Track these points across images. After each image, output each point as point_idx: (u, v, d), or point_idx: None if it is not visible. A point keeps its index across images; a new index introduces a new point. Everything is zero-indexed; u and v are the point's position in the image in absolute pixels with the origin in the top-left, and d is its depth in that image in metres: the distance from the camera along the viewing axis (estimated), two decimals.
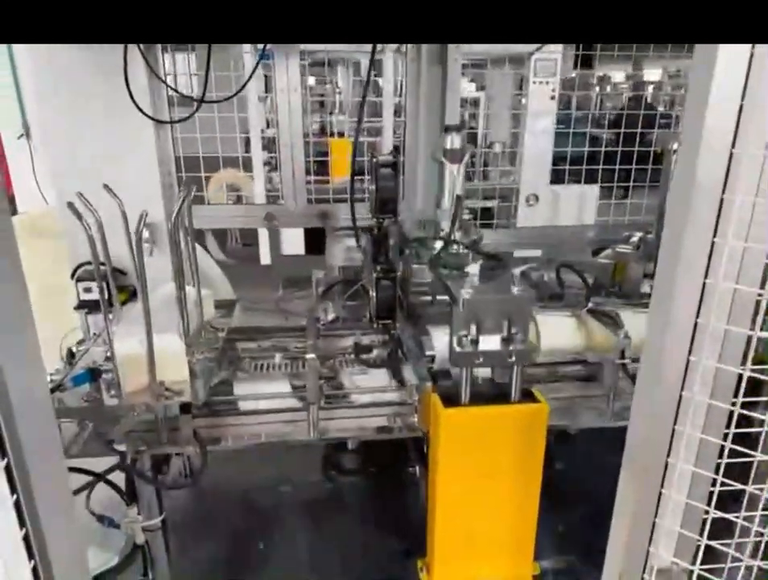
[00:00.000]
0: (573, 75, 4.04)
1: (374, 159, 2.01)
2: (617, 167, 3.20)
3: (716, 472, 1.44)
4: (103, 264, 2.64)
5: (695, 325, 1.32)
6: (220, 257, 4.63)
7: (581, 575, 1.91)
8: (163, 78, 2.46)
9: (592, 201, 3.46)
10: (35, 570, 1.26)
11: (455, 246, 2.01)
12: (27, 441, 1.20)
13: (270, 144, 4.19)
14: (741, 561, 1.41)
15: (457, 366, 1.66)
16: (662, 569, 1.52)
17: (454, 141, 1.98)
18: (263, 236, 4.97)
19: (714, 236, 1.27)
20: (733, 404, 1.34)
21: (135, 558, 1.82)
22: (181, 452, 1.71)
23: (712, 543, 1.46)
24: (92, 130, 2.47)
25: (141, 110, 2.44)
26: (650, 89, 6.98)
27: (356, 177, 3.25)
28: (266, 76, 3.52)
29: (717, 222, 1.25)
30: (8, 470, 1.17)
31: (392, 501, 2.26)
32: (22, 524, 1.21)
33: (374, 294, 2.05)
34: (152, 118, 2.50)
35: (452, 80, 2.62)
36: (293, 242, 5.13)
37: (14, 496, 1.18)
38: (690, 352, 1.34)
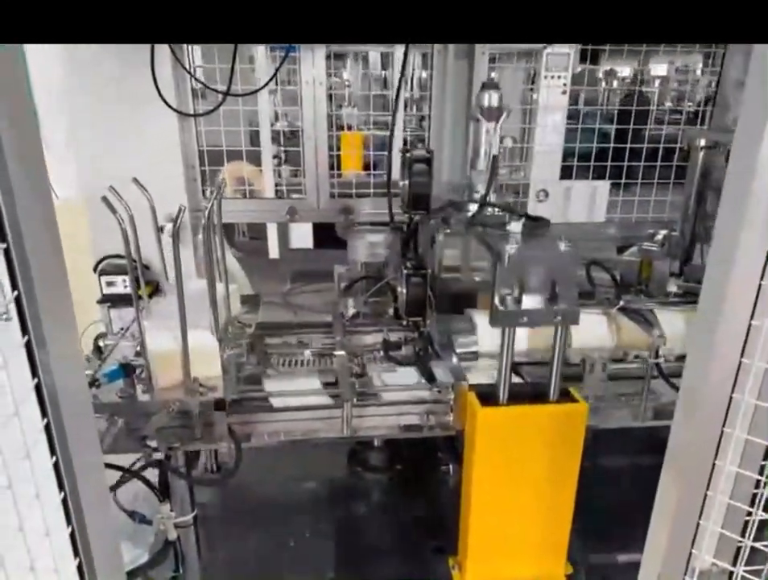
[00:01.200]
0: (579, 69, 3.99)
1: (408, 154, 1.99)
2: (625, 163, 3.16)
3: (761, 473, 1.43)
4: (134, 260, 2.65)
5: (749, 326, 1.30)
6: (231, 251, 4.61)
7: (614, 575, 1.90)
8: (190, 70, 2.43)
9: (603, 197, 3.43)
10: (80, 568, 1.26)
11: (490, 209, 1.95)
12: (72, 440, 1.19)
13: (278, 137, 4.15)
14: None
15: (499, 326, 1.61)
16: (703, 571, 1.51)
17: (492, 98, 1.93)
18: (272, 230, 4.94)
19: None
20: None
21: (167, 554, 1.81)
22: (215, 448, 1.69)
23: (757, 544, 1.45)
24: (116, 123, 2.44)
25: (166, 102, 2.41)
26: (657, 83, 6.94)
27: (367, 172, 3.24)
28: (276, 68, 3.48)
29: None
30: (56, 467, 1.16)
31: (421, 498, 2.26)
32: (68, 521, 1.21)
33: (404, 290, 2.04)
34: (177, 111, 2.47)
35: (479, 73, 2.60)
36: (302, 236, 5.10)
37: (62, 494, 1.18)
38: (742, 354, 1.32)
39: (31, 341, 1.07)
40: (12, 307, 1.02)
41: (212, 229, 1.91)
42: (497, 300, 1.57)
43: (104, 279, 2.56)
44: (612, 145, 3.20)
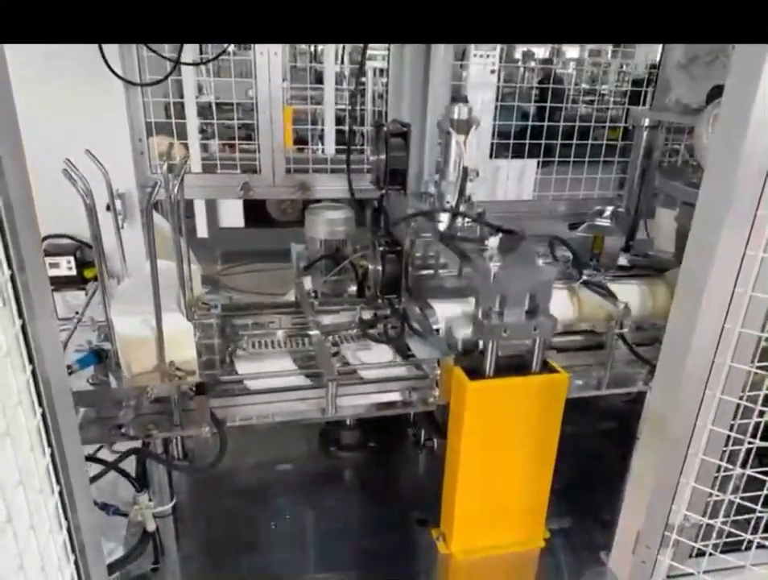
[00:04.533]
0: (497, 48, 4.06)
1: (384, 129, 1.96)
2: (545, 141, 3.23)
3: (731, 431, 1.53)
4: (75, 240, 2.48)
5: (732, 294, 1.38)
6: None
7: (591, 535, 1.99)
8: None
9: (531, 176, 3.53)
10: (76, 564, 1.19)
11: (461, 219, 2.00)
12: (64, 431, 1.12)
13: (204, 111, 3.97)
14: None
15: (484, 339, 1.68)
16: (680, 526, 1.61)
17: (461, 112, 1.95)
18: (199, 207, 4.74)
19: (757, 209, 1.32)
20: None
21: (146, 546, 1.73)
22: (196, 434, 1.63)
23: (731, 497, 1.56)
24: (60, 93, 2.26)
25: (112, 71, 2.26)
26: (572, 65, 7.21)
27: (301, 146, 3.17)
28: None
29: (761, 194, 1.30)
30: (54, 462, 1.08)
31: (398, 474, 2.27)
32: (65, 517, 1.13)
33: (380, 268, 2.02)
34: (124, 80, 2.32)
35: (436, 49, 2.59)
36: (232, 214, 4.93)
37: (58, 487, 1.10)
38: (725, 320, 1.40)
39: (26, 325, 0.98)
40: (9, 287, 0.93)
41: (178, 206, 1.81)
42: (480, 315, 1.65)
43: (47, 260, 2.38)
44: (541, 124, 3.23)
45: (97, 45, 2.20)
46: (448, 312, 1.96)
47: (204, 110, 3.63)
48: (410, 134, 2.03)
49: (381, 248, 1.99)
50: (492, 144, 3.21)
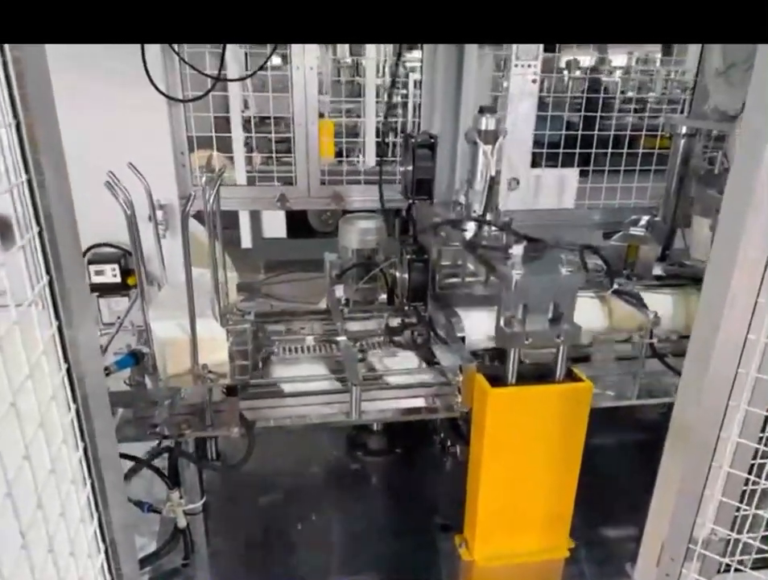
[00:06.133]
0: (541, 58, 4.04)
1: (411, 140, 2.00)
2: (593, 151, 3.21)
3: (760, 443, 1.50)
4: (121, 249, 2.60)
5: (756, 303, 1.36)
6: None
7: (613, 548, 1.97)
8: (179, 54, 2.40)
9: (572, 185, 3.50)
10: (107, 553, 1.25)
11: (487, 228, 2.02)
12: (98, 428, 1.18)
13: (246, 125, 4.08)
14: None
15: (505, 347, 1.69)
16: (704, 539, 1.58)
17: (489, 122, 1.98)
18: (244, 218, 4.89)
19: None
20: None
21: (177, 542, 1.80)
22: (227, 434, 1.69)
23: (759, 512, 1.52)
24: (104, 108, 2.39)
25: (156, 87, 2.38)
26: (619, 73, 7.10)
27: (342, 158, 3.22)
28: (246, 54, 3.42)
29: None
30: (86, 455, 1.15)
31: (423, 480, 2.29)
32: (96, 510, 1.20)
33: (406, 276, 2.06)
34: (167, 96, 2.44)
35: (469, 61, 2.62)
36: (274, 225, 5.05)
37: (90, 481, 1.17)
38: (749, 330, 1.38)
39: (62, 327, 1.06)
40: (47, 291, 1.00)
41: (214, 215, 1.89)
42: (502, 322, 1.65)
43: (93, 268, 2.51)
44: (582, 133, 3.22)
45: (142, 64, 2.32)
46: (473, 320, 1.99)
47: (246, 124, 3.74)
48: (437, 145, 2.06)
49: (408, 256, 2.02)
50: (533, 154, 3.22)
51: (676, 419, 1.65)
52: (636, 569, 1.83)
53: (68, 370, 1.08)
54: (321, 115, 4.67)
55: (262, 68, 2.50)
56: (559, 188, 3.49)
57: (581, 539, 1.94)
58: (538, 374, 1.76)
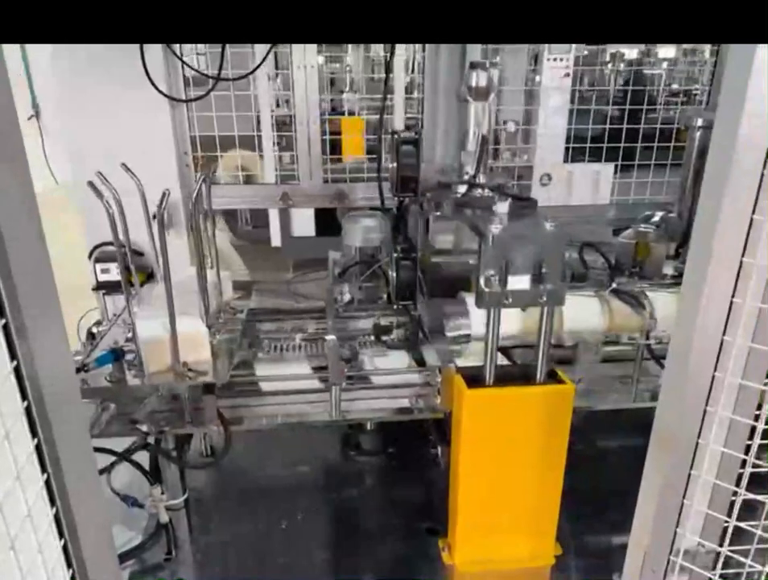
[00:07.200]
0: (586, 52, 3.93)
1: (395, 136, 1.97)
2: (622, 144, 3.11)
3: (746, 454, 1.42)
4: (123, 245, 2.65)
5: (731, 304, 1.29)
6: (231, 238, 4.61)
7: (602, 556, 1.90)
8: (180, 56, 2.43)
9: (607, 180, 3.40)
10: (65, 548, 1.27)
11: (479, 189, 1.93)
12: (56, 422, 1.20)
13: (279, 123, 4.11)
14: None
15: (484, 308, 1.61)
16: (689, 551, 1.51)
17: (479, 78, 1.89)
18: (273, 217, 4.94)
19: (753, 213, 1.23)
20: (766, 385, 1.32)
21: (159, 537, 1.83)
22: (205, 431, 1.70)
23: (741, 524, 1.44)
24: (108, 110, 2.44)
25: (157, 88, 2.41)
26: (665, 65, 6.86)
27: (370, 156, 3.20)
28: (275, 54, 3.43)
29: (756, 200, 1.22)
30: (38, 449, 1.17)
31: (413, 481, 2.26)
32: (52, 502, 1.22)
33: (394, 275, 2.03)
34: (168, 96, 2.47)
35: (472, 53, 2.57)
36: (303, 223, 5.09)
37: (45, 475, 1.19)
38: (724, 332, 1.31)
39: (9, 325, 1.08)
40: None
41: (198, 214, 1.91)
42: (482, 281, 1.55)
43: (99, 266, 2.57)
44: (620, 127, 3.13)
45: (143, 66, 2.35)
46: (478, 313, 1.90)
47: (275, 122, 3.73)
48: (421, 142, 2.01)
49: (395, 254, 2.00)
50: (567, 148, 3.16)
51: (657, 425, 1.58)
52: (623, 579, 1.77)
53: (17, 368, 1.10)
54: (351, 113, 4.68)
55: (257, 68, 2.51)
56: (593, 184, 3.40)
57: (569, 546, 1.88)
58: (519, 375, 1.71)
